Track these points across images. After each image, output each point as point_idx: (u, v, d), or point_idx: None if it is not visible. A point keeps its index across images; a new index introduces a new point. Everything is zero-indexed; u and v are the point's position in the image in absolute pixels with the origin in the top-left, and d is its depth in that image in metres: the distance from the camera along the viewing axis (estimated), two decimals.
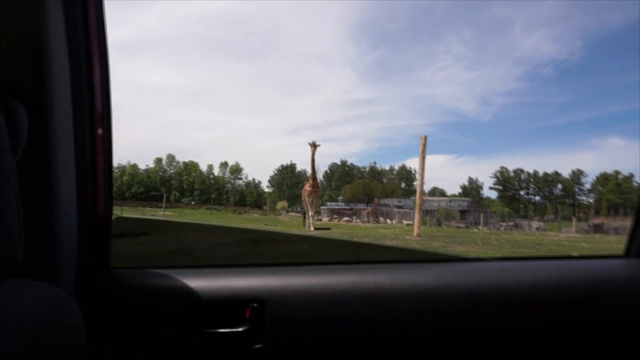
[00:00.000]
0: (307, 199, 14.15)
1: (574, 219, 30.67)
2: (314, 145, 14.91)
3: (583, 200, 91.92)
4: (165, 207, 44.22)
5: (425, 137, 13.71)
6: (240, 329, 0.92)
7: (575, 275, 1.00)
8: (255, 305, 0.93)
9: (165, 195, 45.71)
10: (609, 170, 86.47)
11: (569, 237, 16.15)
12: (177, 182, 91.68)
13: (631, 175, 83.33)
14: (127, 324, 0.91)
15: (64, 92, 0.77)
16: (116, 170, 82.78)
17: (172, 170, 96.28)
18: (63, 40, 0.76)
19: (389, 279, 0.97)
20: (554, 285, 0.96)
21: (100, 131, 0.85)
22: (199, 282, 0.95)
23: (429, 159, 13.80)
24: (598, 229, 25.79)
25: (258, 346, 0.91)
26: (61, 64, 0.76)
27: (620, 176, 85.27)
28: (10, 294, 0.51)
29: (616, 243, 11.40)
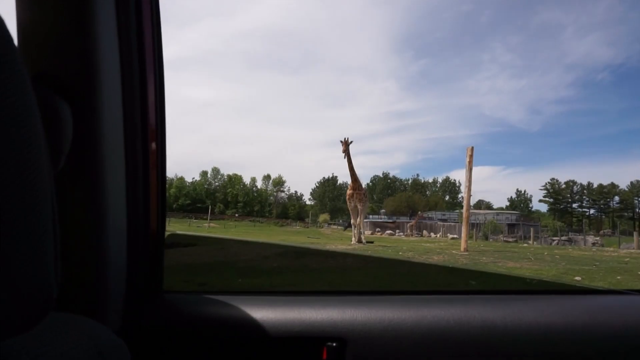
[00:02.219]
0: (349, 204, 12.60)
1: (635, 234, 28.69)
2: (345, 143, 12.41)
3: None
4: (210, 219, 45.60)
5: (472, 149, 13.29)
6: None
7: None
8: (335, 344, 0.78)
9: (210, 207, 47.15)
10: None
11: (630, 253, 15.07)
12: (221, 194, 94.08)
13: None
14: (181, 358, 0.80)
15: (115, 99, 0.71)
16: None
17: (217, 183, 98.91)
18: (115, 48, 0.70)
19: (502, 314, 0.78)
20: None
21: (153, 145, 0.78)
22: (266, 313, 0.81)
23: (474, 170, 13.26)
24: None
25: None
26: (112, 70, 0.69)
27: None
28: (45, 338, 0.43)
29: None
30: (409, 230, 35.85)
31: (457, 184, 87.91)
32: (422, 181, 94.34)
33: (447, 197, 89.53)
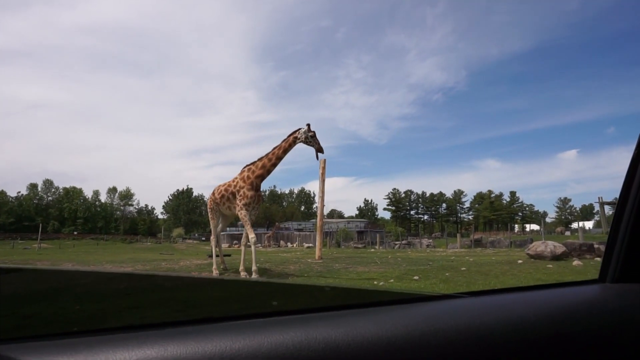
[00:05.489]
0: (244, 212, 7.39)
1: (458, 235, 33.63)
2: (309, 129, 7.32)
3: (464, 217, 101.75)
4: (42, 239, 39.40)
5: (325, 161, 14.03)
6: None
7: (555, 305, 0.88)
8: None
9: (41, 225, 40.72)
10: (485, 189, 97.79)
11: (455, 252, 17.61)
12: (56, 210, 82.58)
13: (501, 194, 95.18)
14: None
15: None
16: None
17: (50, 198, 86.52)
18: None
19: (344, 331, 0.73)
20: (535, 319, 0.82)
21: None
22: (108, 355, 0.66)
23: (329, 181, 13.92)
24: (478, 243, 28.87)
25: None
26: None
27: (492, 195, 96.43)
28: None
29: (494, 255, 12.60)
30: (266, 241, 36.14)
31: (312, 195, 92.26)
32: (279, 192, 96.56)
33: (302, 208, 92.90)
